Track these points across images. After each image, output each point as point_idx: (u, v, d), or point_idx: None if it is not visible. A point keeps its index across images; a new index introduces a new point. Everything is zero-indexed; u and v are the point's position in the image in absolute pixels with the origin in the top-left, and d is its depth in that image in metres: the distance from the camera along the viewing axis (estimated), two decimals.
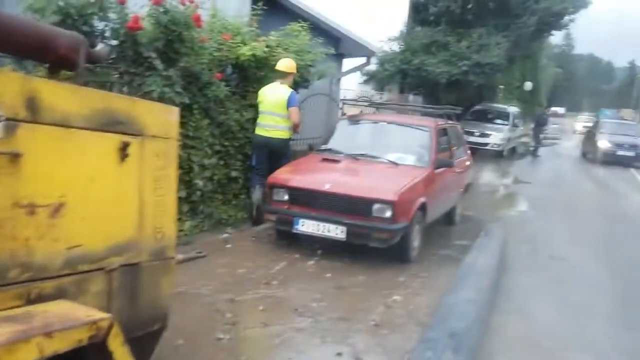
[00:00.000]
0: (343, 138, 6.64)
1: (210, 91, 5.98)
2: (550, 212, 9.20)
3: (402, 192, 5.23)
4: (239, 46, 6.54)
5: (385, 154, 6.15)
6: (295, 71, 6.66)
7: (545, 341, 4.06)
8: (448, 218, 7.41)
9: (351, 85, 16.19)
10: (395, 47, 16.73)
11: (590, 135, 20.46)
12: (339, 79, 11.37)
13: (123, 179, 2.22)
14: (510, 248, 6.34)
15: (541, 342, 4.03)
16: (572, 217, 8.94)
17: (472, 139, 17.52)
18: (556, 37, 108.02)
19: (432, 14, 17.10)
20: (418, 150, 6.24)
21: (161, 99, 5.08)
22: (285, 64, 6.50)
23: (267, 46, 6.82)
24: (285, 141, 6.55)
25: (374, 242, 5.23)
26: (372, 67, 16.69)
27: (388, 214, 5.17)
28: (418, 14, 17.71)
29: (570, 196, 11.26)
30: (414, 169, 5.90)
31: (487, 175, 13.62)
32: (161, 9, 5.15)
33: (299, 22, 7.51)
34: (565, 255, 6.38)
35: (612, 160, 17.74)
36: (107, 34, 5.04)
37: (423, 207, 5.68)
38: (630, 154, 18.07)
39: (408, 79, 16.37)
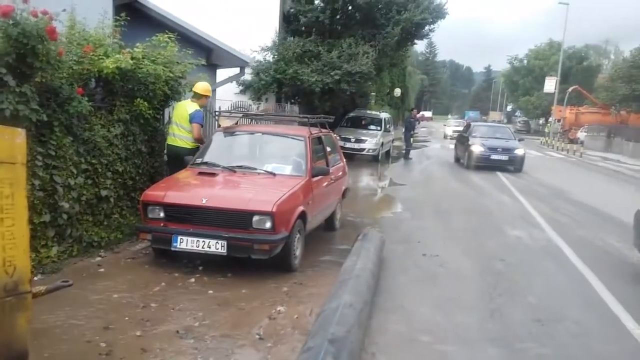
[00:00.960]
0: (219, 150, 6.53)
1: (72, 107, 5.60)
2: (423, 212, 9.71)
3: (281, 202, 5.24)
4: (102, 59, 6.23)
5: (262, 165, 6.14)
6: (209, 94, 7.52)
7: (423, 336, 4.26)
8: (328, 224, 7.56)
9: (228, 95, 16.04)
10: (270, 57, 16.82)
11: (462, 140, 19.61)
12: (213, 90, 11.19)
13: None
14: (387, 249, 6.60)
15: (419, 338, 4.23)
16: (443, 216, 9.49)
17: (348, 145, 18.15)
18: (420, 46, 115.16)
19: (302, 24, 17.41)
20: (294, 159, 6.30)
21: (14, 117, 4.69)
22: (200, 87, 7.31)
23: (133, 58, 6.56)
24: (190, 150, 6.89)
25: (256, 254, 5.18)
26: (248, 77, 16.68)
27: (268, 225, 5.16)
28: (289, 24, 17.98)
29: (441, 196, 11.96)
30: (291, 178, 5.94)
31: (365, 179, 14.14)
32: (10, 22, 4.74)
33: (167, 33, 7.29)
34: (438, 252, 6.75)
35: (485, 164, 17.32)
36: None
37: (303, 216, 5.74)
38: (504, 157, 17.63)
39: (284, 88, 16.51)
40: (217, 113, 6.72)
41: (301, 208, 5.65)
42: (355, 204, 9.92)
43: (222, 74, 11.83)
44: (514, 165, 17.69)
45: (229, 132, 6.73)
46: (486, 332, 4.42)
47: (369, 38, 17.44)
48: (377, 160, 18.53)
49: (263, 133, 6.73)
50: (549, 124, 45.13)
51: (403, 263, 6.31)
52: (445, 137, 37.97)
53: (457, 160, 19.69)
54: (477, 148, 17.73)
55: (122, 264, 5.57)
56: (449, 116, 47.41)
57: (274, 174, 5.97)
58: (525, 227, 8.75)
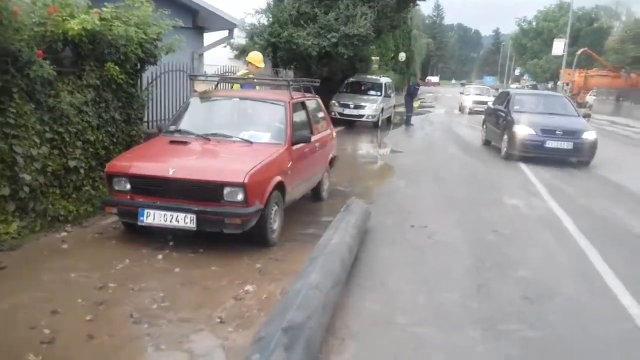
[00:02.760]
0: (193, 117, 6.14)
1: (32, 71, 5.22)
2: (418, 181, 9.32)
3: (254, 172, 4.87)
4: (67, 20, 5.80)
5: (239, 132, 5.75)
6: (256, 64, 7.59)
7: (401, 317, 3.93)
8: (315, 194, 7.21)
9: (222, 61, 15.59)
10: (264, 19, 16.25)
11: (496, 115, 13.80)
12: (200, 55, 10.73)
13: None
14: (374, 220, 6.26)
15: (396, 319, 3.90)
16: (438, 185, 9.11)
17: (347, 111, 17.71)
18: (426, 9, 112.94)
19: None
20: (273, 126, 5.91)
21: None
22: (249, 56, 7.71)
23: (102, 19, 6.13)
24: None
25: (228, 229, 4.85)
26: (241, 40, 16.17)
27: (240, 197, 4.80)
28: None
29: (439, 164, 11.54)
30: (268, 146, 5.56)
31: (362, 146, 13.74)
32: None
33: None
34: (427, 223, 6.40)
35: (538, 154, 11.75)
36: None
37: (280, 187, 5.39)
38: (566, 145, 11.61)
39: (279, 52, 15.99)
40: (191, 77, 6.26)
41: (278, 178, 5.29)
42: (347, 172, 9.54)
43: (211, 37, 11.34)
44: (580, 156, 11.83)
45: (204, 97, 6.31)
46: (470, 313, 4.08)
47: None
48: (377, 126, 18.08)
49: (241, 98, 6.32)
50: (563, 89, 44.13)
51: (389, 235, 5.96)
52: (462, 110, 28.30)
53: (488, 143, 14.54)
54: (523, 130, 11.88)
55: (89, 240, 5.25)
56: (468, 86, 37.84)
57: (251, 142, 5.59)
58: (524, 196, 8.35)
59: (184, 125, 5.99)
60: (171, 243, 5.14)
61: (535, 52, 59.88)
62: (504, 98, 14.29)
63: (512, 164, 11.52)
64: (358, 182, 8.77)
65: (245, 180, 4.76)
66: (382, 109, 18.34)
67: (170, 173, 4.85)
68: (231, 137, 5.66)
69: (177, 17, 10.13)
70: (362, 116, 17.68)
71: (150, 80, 7.86)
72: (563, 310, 4.23)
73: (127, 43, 6.43)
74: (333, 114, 17.85)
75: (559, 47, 40.94)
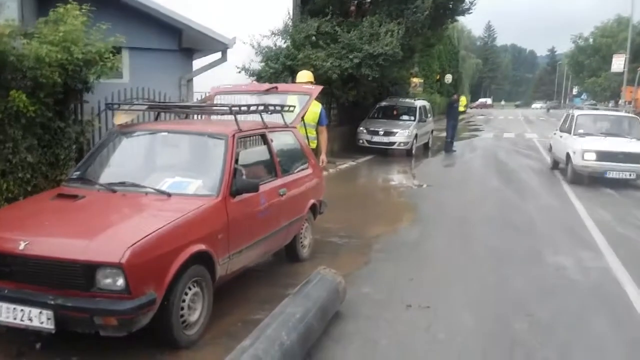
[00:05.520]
0: (105, 159, 4.60)
1: None
2: (437, 229, 7.42)
3: (141, 245, 3.25)
4: None
5: (158, 180, 4.16)
6: (306, 79, 7.20)
7: None
8: (290, 253, 5.54)
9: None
10: (281, 42, 14.83)
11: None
12: (189, 80, 9.33)
13: None
14: (357, 292, 4.56)
15: None
16: (463, 235, 7.21)
17: (376, 138, 16.02)
18: (478, 30, 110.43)
19: (319, 2, 15.30)
20: (206, 170, 4.29)
21: None
22: (298, 76, 7.43)
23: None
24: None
25: (105, 331, 3.23)
26: (257, 65, 14.82)
27: (119, 283, 3.18)
28: (305, 3, 15.91)
29: (470, 205, 9.62)
30: (192, 200, 3.93)
31: (382, 179, 11.96)
32: None
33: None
34: (431, 300, 4.58)
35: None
36: None
37: (205, 259, 3.75)
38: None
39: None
40: (110, 106, 4.72)
41: (198, 248, 3.65)
42: (352, 214, 7.84)
43: (203, 61, 9.95)
44: None
45: (126, 132, 4.74)
46: None
47: (396, 14, 15.14)
48: (411, 154, 16.26)
49: (171, 132, 4.73)
50: (625, 107, 40.84)
51: (369, 324, 4.15)
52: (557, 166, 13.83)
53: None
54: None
55: None
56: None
57: (169, 194, 3.98)
58: (573, 249, 6.38)
59: (91, 170, 4.45)
60: (38, 345, 3.55)
61: (593, 70, 56.33)
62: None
63: (562, 197, 9.45)
64: (360, 230, 6.98)
65: (123, 260, 3.14)
66: (416, 135, 16.53)
67: (21, 247, 3.28)
68: (144, 187, 4.07)
69: (161, 37, 8.96)
70: (392, 144, 15.92)
71: (97, 112, 6.44)
72: None
73: (37, 65, 5.01)
74: (361, 141, 16.21)
75: (618, 63, 38.02)
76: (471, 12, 17.77)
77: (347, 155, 15.26)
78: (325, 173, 12.29)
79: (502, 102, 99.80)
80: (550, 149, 14.00)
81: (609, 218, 8.06)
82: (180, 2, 9.53)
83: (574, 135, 11.50)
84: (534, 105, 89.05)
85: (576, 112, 12.69)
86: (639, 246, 6.70)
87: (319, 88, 6.20)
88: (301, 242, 5.61)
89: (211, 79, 10.45)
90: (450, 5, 16.83)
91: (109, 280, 3.20)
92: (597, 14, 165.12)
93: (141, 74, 8.38)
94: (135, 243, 3.23)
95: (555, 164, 13.35)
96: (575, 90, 72.86)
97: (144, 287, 3.25)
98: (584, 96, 62.05)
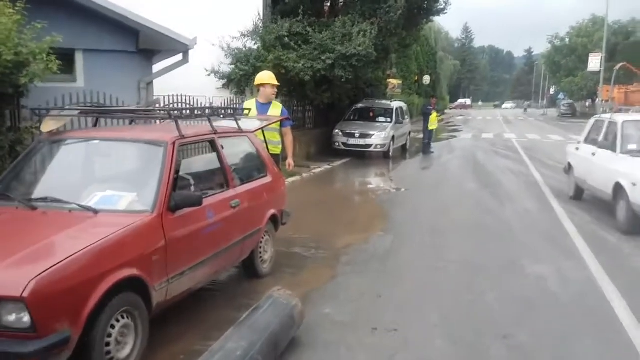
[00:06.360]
0: (29, 171, 4.07)
1: None
2: (412, 236, 7.00)
3: (49, 275, 2.74)
4: None
5: (85, 195, 3.65)
6: (267, 81, 6.29)
7: None
8: (248, 269, 5.07)
9: (208, 91, 13.67)
10: (252, 43, 14.35)
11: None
12: (148, 83, 8.81)
13: None
14: (318, 312, 4.09)
15: None
16: (439, 241, 6.80)
17: (352, 141, 15.62)
18: (455, 31, 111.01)
19: (290, 2, 14.85)
20: (141, 182, 3.80)
21: None
22: (257, 77, 6.51)
23: None
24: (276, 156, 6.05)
25: None
26: (227, 68, 14.33)
27: (25, 320, 2.69)
28: (276, 3, 15.45)
29: (446, 208, 9.23)
30: (122, 217, 3.42)
31: (356, 184, 11.53)
32: None
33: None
34: (399, 321, 4.14)
35: None
36: None
37: (137, 286, 3.26)
38: None
39: None
40: (36, 112, 4.17)
41: (128, 273, 3.16)
42: (323, 223, 7.39)
43: (165, 64, 9.43)
44: None
45: (52, 140, 4.22)
46: None
47: (369, 14, 14.76)
48: (389, 157, 15.89)
49: (101, 140, 4.22)
50: (602, 106, 40.98)
51: (329, 352, 3.68)
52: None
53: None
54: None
55: None
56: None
57: (96, 211, 3.47)
58: (558, 260, 5.99)
59: (13, 185, 3.92)
60: None
61: (570, 70, 56.73)
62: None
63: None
64: (329, 240, 6.51)
65: (25, 294, 2.63)
66: (394, 137, 16.19)
67: None
68: (68, 203, 3.56)
69: (117, 38, 8.42)
70: (369, 146, 15.53)
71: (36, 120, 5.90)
72: None
73: None
74: (336, 144, 15.79)
75: (595, 62, 38.24)
76: (446, 13, 17.47)
77: (323, 158, 14.81)
78: (298, 178, 11.99)
79: (480, 103, 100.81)
80: (568, 170, 9.61)
81: None
82: (140, 2, 9.05)
83: (623, 153, 7.40)
84: (504, 106, 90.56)
85: (618, 118, 8.07)
86: None
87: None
88: (261, 257, 5.13)
89: (178, 81, 10.00)
90: (425, 5, 16.51)
91: (12, 318, 2.70)
92: (573, 15, 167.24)
93: (97, 77, 7.87)
94: (41, 273, 2.72)
95: (578, 193, 9.16)
96: (552, 90, 73.47)
97: (54, 323, 2.76)
98: (561, 95, 62.49)
